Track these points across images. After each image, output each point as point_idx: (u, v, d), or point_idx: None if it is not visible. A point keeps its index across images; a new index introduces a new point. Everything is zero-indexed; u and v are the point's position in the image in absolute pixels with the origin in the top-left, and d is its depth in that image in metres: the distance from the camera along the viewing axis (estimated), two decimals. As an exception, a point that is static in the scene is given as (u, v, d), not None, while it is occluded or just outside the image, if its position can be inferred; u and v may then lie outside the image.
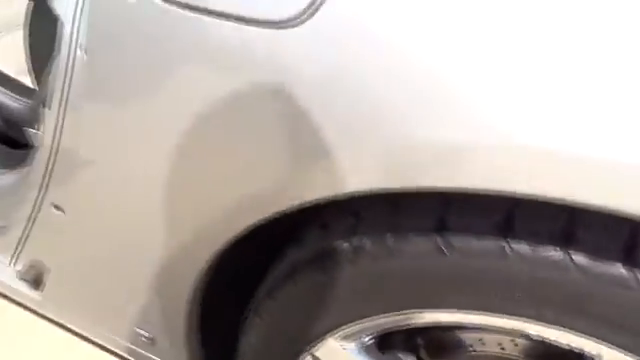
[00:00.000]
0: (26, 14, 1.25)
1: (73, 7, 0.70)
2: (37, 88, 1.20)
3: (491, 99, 0.47)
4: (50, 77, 0.77)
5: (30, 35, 1.21)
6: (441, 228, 0.56)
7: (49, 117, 0.79)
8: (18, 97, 1.19)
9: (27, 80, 1.25)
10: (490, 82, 0.47)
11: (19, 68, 1.25)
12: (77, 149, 0.79)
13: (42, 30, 1.11)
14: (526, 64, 0.46)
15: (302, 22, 0.55)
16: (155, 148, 0.69)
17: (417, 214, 0.58)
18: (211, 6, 0.58)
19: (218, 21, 0.58)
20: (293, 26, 0.55)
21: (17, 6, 1.37)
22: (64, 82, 0.74)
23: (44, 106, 0.79)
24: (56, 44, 0.74)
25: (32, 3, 1.29)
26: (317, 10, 0.54)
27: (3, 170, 1.09)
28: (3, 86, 1.21)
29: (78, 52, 0.71)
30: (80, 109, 0.75)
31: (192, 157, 0.68)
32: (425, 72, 0.50)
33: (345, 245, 0.62)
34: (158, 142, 0.69)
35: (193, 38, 0.61)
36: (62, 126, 0.78)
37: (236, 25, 0.57)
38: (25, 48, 1.22)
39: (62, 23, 0.73)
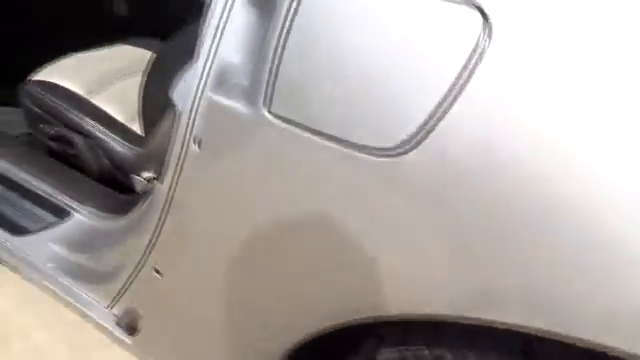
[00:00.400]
0: (147, 64, 1.35)
1: (190, 102, 0.76)
2: (145, 136, 1.28)
3: None
4: (165, 158, 0.83)
5: (146, 87, 1.29)
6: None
7: (159, 192, 0.85)
8: (126, 143, 1.28)
9: (136, 126, 1.34)
10: None
11: (129, 115, 1.35)
12: (181, 226, 0.85)
13: (158, 85, 1.19)
14: None
15: (413, 148, 0.57)
16: (247, 247, 0.74)
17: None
18: (325, 129, 0.62)
19: (329, 144, 0.62)
20: (402, 153, 0.57)
21: (130, 58, 1.49)
22: (176, 166, 0.80)
23: (157, 180, 0.86)
24: (173, 131, 0.81)
25: (155, 55, 1.40)
26: (425, 137, 0.56)
27: (110, 215, 1.19)
28: (113, 131, 1.31)
29: (192, 144, 0.77)
30: (187, 193, 0.81)
31: (282, 259, 0.72)
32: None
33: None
34: (252, 242, 0.73)
35: (301, 155, 0.65)
36: (170, 203, 0.84)
37: (346, 150, 0.60)
38: (139, 97, 1.30)
39: (179, 113, 0.79)
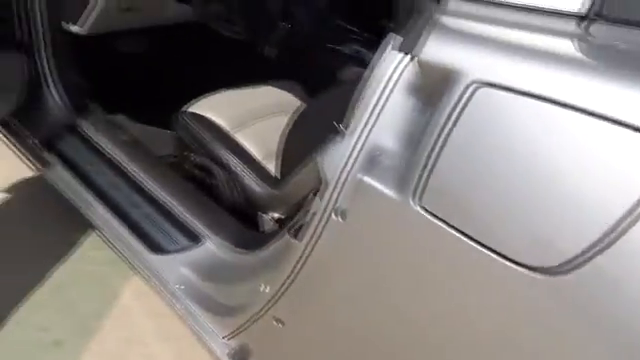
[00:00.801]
0: (296, 113, 1.43)
1: (338, 175, 0.80)
2: (279, 178, 1.35)
3: None
4: (306, 220, 0.88)
5: (290, 133, 1.36)
6: None
7: (295, 248, 0.90)
8: (260, 182, 1.36)
9: (271, 166, 1.42)
10: None
11: (265, 154, 1.43)
12: (312, 285, 0.88)
13: (301, 136, 1.25)
14: None
15: (577, 268, 0.56)
16: (376, 323, 0.76)
17: None
18: (479, 236, 0.62)
19: (481, 251, 0.62)
20: (566, 273, 0.56)
21: (273, 99, 1.59)
22: (316, 229, 0.84)
23: (295, 238, 0.91)
24: (316, 200, 0.85)
25: (304, 105, 1.48)
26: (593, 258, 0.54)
27: (238, 249, 1.27)
28: (250, 168, 1.39)
29: (333, 215, 0.80)
30: (324, 257, 0.85)
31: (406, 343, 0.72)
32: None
33: None
34: (381, 320, 0.75)
35: (447, 254, 0.66)
36: (305, 261, 0.88)
37: (500, 261, 0.60)
38: (280, 141, 1.37)
39: (326, 182, 0.83)
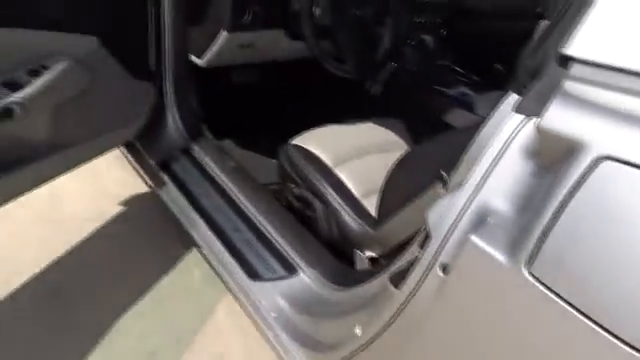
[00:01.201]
0: (399, 152, 1.44)
1: (445, 230, 0.80)
2: (377, 218, 1.37)
3: None
4: (405, 267, 0.88)
5: (393, 174, 1.37)
6: None
7: (394, 297, 0.90)
8: (358, 219, 1.38)
9: (367, 203, 1.43)
10: None
11: (364, 192, 1.45)
12: (407, 335, 0.89)
13: (405, 178, 1.26)
14: None
15: None
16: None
17: None
18: (594, 315, 0.60)
19: (595, 330, 0.59)
20: None
21: (375, 136, 1.62)
22: (418, 282, 0.84)
23: (394, 285, 0.92)
24: (418, 249, 0.85)
25: (406, 145, 1.49)
26: None
27: (332, 285, 1.29)
28: (348, 205, 1.42)
29: (438, 269, 0.80)
30: (422, 308, 0.85)
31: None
32: None
33: None
34: None
35: (557, 327, 0.64)
36: (403, 311, 0.88)
37: (620, 345, 0.58)
38: (384, 182, 1.38)
39: (430, 235, 0.83)
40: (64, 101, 1.30)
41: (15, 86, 1.17)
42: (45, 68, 1.22)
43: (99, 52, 1.35)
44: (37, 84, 1.20)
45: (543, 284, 0.65)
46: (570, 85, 0.67)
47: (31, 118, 1.22)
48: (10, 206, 1.33)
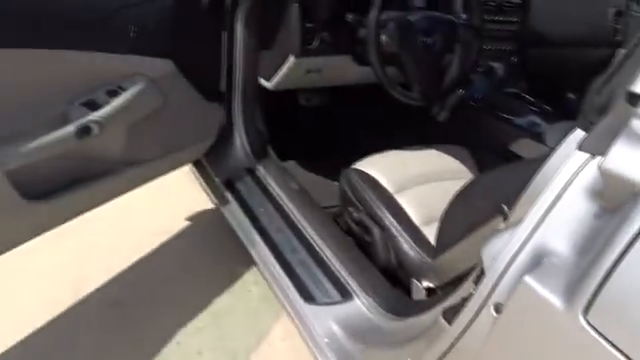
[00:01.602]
0: (461, 180, 1.41)
1: (500, 269, 0.77)
2: (436, 247, 1.34)
3: None
4: (459, 302, 0.86)
5: (454, 203, 1.34)
6: None
7: (446, 333, 0.88)
8: (417, 248, 1.36)
9: (427, 231, 1.41)
10: None
11: (424, 220, 1.42)
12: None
13: (464, 207, 1.23)
14: None
15: None
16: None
17: None
18: None
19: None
20: None
21: (437, 163, 1.59)
22: (471, 320, 0.82)
23: (446, 320, 0.89)
24: (472, 285, 0.83)
25: (469, 173, 1.46)
26: None
27: (387, 313, 1.27)
28: (407, 232, 1.40)
29: (491, 308, 0.78)
30: (473, 346, 0.82)
31: None
32: None
33: None
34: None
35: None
36: (454, 346, 0.86)
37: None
38: (445, 212, 1.35)
39: (485, 272, 0.81)
40: (139, 120, 1.38)
41: (94, 106, 1.25)
42: (122, 89, 1.30)
43: (173, 74, 1.42)
44: (114, 104, 1.28)
45: (600, 333, 0.61)
46: (638, 124, 0.63)
47: (107, 135, 1.30)
48: (84, 217, 1.41)
